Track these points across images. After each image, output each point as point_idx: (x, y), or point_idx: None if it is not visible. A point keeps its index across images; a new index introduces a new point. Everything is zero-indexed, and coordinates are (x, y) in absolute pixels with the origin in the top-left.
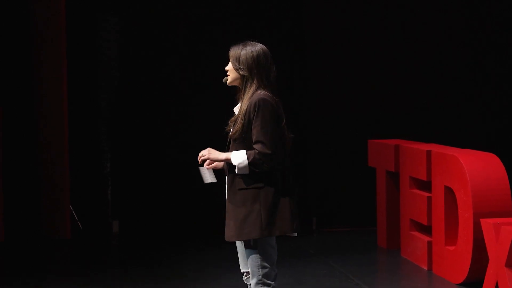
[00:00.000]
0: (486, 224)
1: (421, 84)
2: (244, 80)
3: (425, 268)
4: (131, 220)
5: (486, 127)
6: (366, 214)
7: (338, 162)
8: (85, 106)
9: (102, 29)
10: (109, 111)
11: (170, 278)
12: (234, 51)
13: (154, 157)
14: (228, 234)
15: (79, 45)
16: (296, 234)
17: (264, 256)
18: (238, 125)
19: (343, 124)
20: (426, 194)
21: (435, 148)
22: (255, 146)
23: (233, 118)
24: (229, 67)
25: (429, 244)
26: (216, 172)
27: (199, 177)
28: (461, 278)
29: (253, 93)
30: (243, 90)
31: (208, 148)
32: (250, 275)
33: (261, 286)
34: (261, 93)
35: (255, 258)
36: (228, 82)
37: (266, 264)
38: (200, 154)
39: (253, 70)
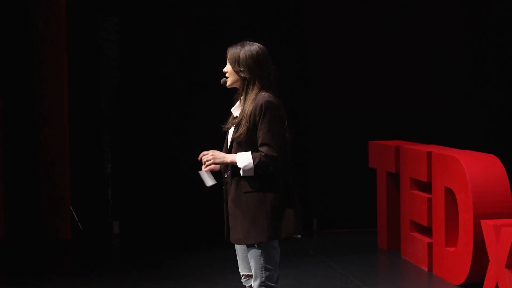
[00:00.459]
0: (487, 225)
1: (421, 84)
2: (245, 82)
3: (426, 269)
4: (131, 221)
5: (486, 128)
6: (366, 215)
7: (339, 163)
8: (86, 106)
9: (102, 29)
10: (110, 111)
11: (170, 279)
12: (232, 53)
13: (155, 158)
14: (235, 238)
15: (79, 45)
16: (300, 236)
17: (267, 258)
18: (243, 128)
19: (343, 124)
20: (427, 195)
21: (436, 149)
22: (261, 148)
23: (235, 120)
24: (228, 69)
25: (430, 245)
26: (213, 173)
27: (200, 180)
28: (461, 279)
29: (256, 95)
30: (244, 92)
31: (212, 151)
32: (253, 277)
33: None
34: (265, 94)
35: (258, 260)
36: (228, 84)
37: (269, 266)
38: (203, 157)
39: (254, 71)
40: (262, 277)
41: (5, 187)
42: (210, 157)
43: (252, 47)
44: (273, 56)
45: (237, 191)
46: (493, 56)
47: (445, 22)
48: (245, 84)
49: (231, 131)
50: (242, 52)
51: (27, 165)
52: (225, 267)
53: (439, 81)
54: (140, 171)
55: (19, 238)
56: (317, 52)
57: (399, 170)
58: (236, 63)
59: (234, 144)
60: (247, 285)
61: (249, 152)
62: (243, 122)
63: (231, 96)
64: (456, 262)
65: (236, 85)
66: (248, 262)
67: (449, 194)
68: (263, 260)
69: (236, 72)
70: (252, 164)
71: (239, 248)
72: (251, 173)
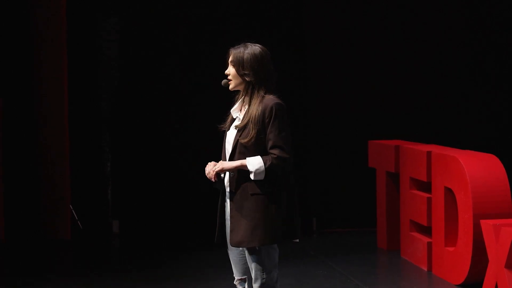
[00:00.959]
0: (486, 225)
1: (421, 84)
2: (249, 85)
3: (425, 269)
4: (131, 220)
5: (486, 128)
6: (366, 215)
7: (338, 163)
8: (85, 106)
9: (102, 29)
10: (109, 111)
11: (170, 278)
12: (236, 55)
13: (154, 157)
14: (237, 240)
15: (79, 45)
16: (298, 240)
17: (268, 259)
18: (253, 132)
19: (343, 124)
20: (426, 195)
21: (435, 149)
22: (272, 151)
23: (240, 124)
24: (231, 71)
25: (429, 245)
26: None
27: (206, 184)
28: (461, 279)
29: (262, 98)
30: (249, 95)
31: (219, 162)
32: (253, 279)
33: None
34: (272, 97)
35: (259, 261)
36: (231, 88)
37: (269, 267)
38: (209, 170)
39: (259, 74)
40: (263, 278)
41: (5, 187)
42: (219, 168)
43: (255, 49)
44: (273, 56)
45: (243, 193)
46: (493, 56)
47: (445, 22)
48: (250, 87)
49: (231, 133)
50: (246, 54)
51: (27, 165)
52: (225, 267)
53: (439, 81)
54: (140, 171)
55: (19, 238)
56: (317, 52)
57: (399, 170)
58: (240, 66)
59: (240, 147)
60: (240, 287)
61: (259, 156)
62: (251, 125)
63: (231, 96)
64: (455, 262)
65: (239, 88)
66: (242, 265)
67: (449, 194)
68: (264, 261)
69: (241, 75)
70: (263, 168)
71: (233, 252)
72: (262, 177)
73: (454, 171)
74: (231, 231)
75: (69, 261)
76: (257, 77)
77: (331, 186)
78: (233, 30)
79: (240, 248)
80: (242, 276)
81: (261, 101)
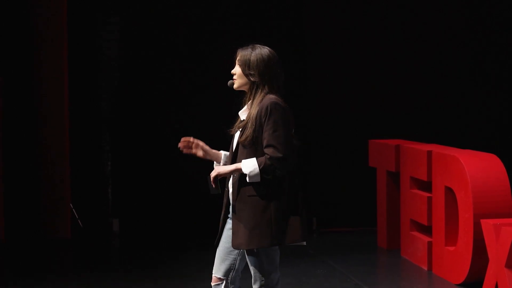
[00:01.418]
0: (486, 224)
1: (421, 84)
2: (254, 85)
3: (425, 268)
4: (131, 219)
5: (486, 128)
6: (366, 214)
7: (339, 162)
8: (86, 106)
9: (102, 29)
10: (110, 111)
11: (170, 277)
12: (243, 56)
13: (154, 157)
14: (237, 242)
15: (79, 45)
16: (305, 243)
17: (268, 261)
18: (249, 131)
19: (344, 124)
20: (427, 194)
21: (436, 148)
22: (265, 150)
23: (241, 124)
24: (237, 71)
25: (429, 244)
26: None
27: (206, 185)
28: (461, 278)
29: (263, 98)
30: (252, 96)
31: (215, 168)
32: (252, 280)
33: None
34: (272, 97)
35: (257, 263)
36: (235, 87)
37: (270, 269)
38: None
39: (264, 76)
40: (262, 280)
41: (5, 186)
42: (214, 173)
43: (263, 51)
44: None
45: (241, 195)
46: (493, 56)
47: (445, 22)
48: (254, 88)
49: (237, 135)
50: (253, 55)
51: (27, 164)
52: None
53: (439, 81)
54: (140, 170)
55: (19, 238)
56: (317, 52)
57: (399, 169)
58: (246, 66)
59: (240, 147)
60: None
61: (254, 158)
62: (249, 125)
63: (231, 96)
64: (456, 261)
65: (244, 88)
66: (227, 265)
67: (449, 193)
68: (263, 263)
69: (246, 75)
70: (257, 170)
71: (222, 250)
72: (258, 179)
73: (454, 171)
74: (232, 233)
75: (69, 260)
76: (262, 78)
77: (331, 185)
78: (233, 30)
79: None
80: (222, 276)
81: (261, 101)
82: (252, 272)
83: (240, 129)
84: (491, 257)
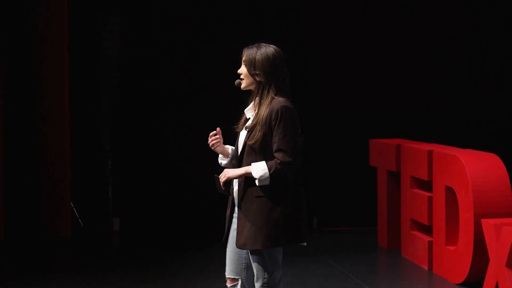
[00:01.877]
0: (487, 224)
1: (422, 84)
2: (260, 85)
3: (426, 268)
4: (132, 218)
5: (487, 127)
6: (366, 213)
7: (339, 162)
8: (86, 105)
9: (103, 29)
10: (110, 110)
11: (170, 277)
12: (248, 55)
13: (155, 156)
14: (241, 242)
15: (79, 45)
16: (305, 244)
17: (270, 260)
18: (258, 134)
19: (344, 124)
20: (427, 194)
21: (437, 148)
22: (276, 154)
23: (249, 125)
24: (243, 71)
25: (430, 244)
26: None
27: (213, 184)
28: (462, 278)
29: (271, 100)
30: (259, 96)
31: (224, 171)
32: (254, 278)
33: None
34: (281, 99)
35: (260, 262)
36: (242, 87)
37: (272, 268)
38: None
39: (270, 75)
40: (265, 278)
41: (6, 185)
42: (224, 177)
43: (268, 50)
44: None
45: (248, 195)
46: (493, 56)
47: (445, 22)
48: (260, 88)
49: (243, 134)
50: (258, 54)
51: (27, 164)
52: (225, 265)
53: (440, 80)
54: (140, 169)
55: (20, 236)
56: (317, 52)
57: (400, 169)
58: (252, 66)
59: (248, 149)
60: None
61: (263, 162)
62: (258, 127)
63: (231, 96)
64: (456, 261)
65: (251, 88)
66: (238, 265)
67: (450, 193)
68: (266, 262)
69: (252, 75)
70: (268, 174)
71: (231, 250)
72: (268, 182)
73: (455, 170)
74: (237, 233)
75: (69, 260)
76: (268, 78)
77: (332, 185)
78: (233, 30)
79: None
80: (235, 275)
81: (270, 103)
82: (255, 271)
83: (248, 130)
84: (491, 256)
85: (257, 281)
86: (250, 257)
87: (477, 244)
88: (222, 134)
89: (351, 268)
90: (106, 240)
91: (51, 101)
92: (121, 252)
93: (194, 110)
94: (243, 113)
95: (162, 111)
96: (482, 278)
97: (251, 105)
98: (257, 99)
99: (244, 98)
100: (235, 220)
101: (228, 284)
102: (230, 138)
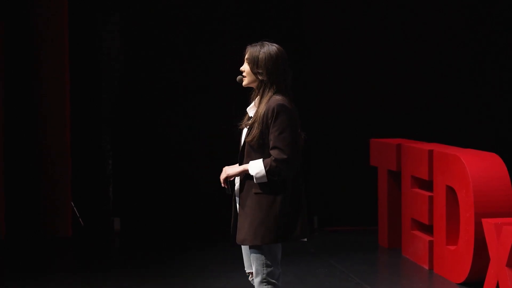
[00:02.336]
0: (488, 224)
1: (422, 83)
2: (262, 84)
3: (426, 267)
4: (132, 218)
5: (488, 127)
6: (367, 213)
7: (339, 162)
8: (86, 105)
9: (103, 29)
10: (110, 110)
11: (171, 276)
12: (251, 53)
13: (155, 156)
14: (241, 238)
15: (79, 45)
16: (306, 239)
17: (269, 255)
18: (256, 131)
19: (344, 123)
20: (428, 193)
21: (437, 147)
22: (271, 152)
23: (249, 122)
24: (246, 68)
25: (430, 243)
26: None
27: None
28: (462, 277)
29: (270, 98)
30: (260, 94)
31: (224, 168)
32: (254, 274)
33: (265, 285)
34: (278, 98)
35: (260, 257)
36: (244, 84)
37: (271, 264)
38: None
39: (272, 74)
40: (264, 274)
41: (6, 185)
42: (224, 174)
43: (271, 49)
44: None
45: (248, 192)
46: (493, 56)
47: (445, 22)
48: (262, 86)
49: (244, 131)
50: (261, 53)
51: (28, 163)
52: (226, 264)
53: (440, 80)
54: (140, 169)
55: (20, 236)
56: (317, 52)
57: (401, 168)
58: (254, 64)
59: (247, 146)
60: (253, 283)
61: (260, 160)
62: (256, 125)
63: (231, 96)
64: (457, 260)
65: (253, 85)
66: None
67: (450, 192)
68: (265, 257)
69: (254, 73)
70: (264, 171)
71: (244, 247)
72: (265, 180)
73: (455, 170)
74: (238, 229)
75: (69, 259)
76: (270, 77)
77: (332, 184)
78: (233, 30)
79: None
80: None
81: (268, 101)
82: (254, 266)
83: (248, 128)
84: (492, 256)
85: (256, 276)
86: (250, 253)
87: (477, 244)
88: (222, 133)
89: (351, 268)
90: (106, 240)
91: (51, 101)
92: (121, 252)
93: (194, 110)
94: (247, 111)
95: (162, 111)
96: (482, 278)
97: (253, 103)
98: (258, 97)
99: (245, 98)
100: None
101: (250, 278)
102: (230, 137)
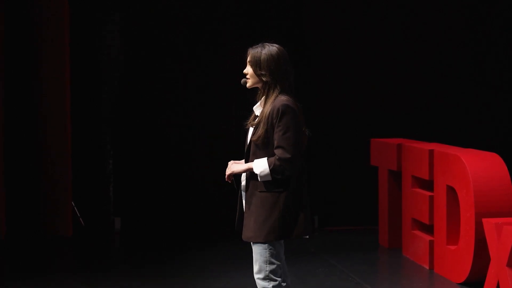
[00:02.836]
0: (488, 223)
1: (423, 83)
2: (267, 85)
3: (427, 267)
4: (132, 218)
5: (488, 127)
6: (367, 213)
7: (340, 161)
8: (87, 105)
9: (103, 29)
10: (110, 110)
11: (171, 276)
12: (253, 55)
13: (156, 155)
14: (247, 235)
15: (80, 45)
16: (308, 236)
17: (273, 253)
18: (261, 131)
19: (345, 123)
20: (428, 193)
21: (438, 147)
22: (276, 151)
23: (255, 121)
24: (249, 71)
25: (431, 243)
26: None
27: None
28: (463, 277)
29: (275, 98)
30: (265, 95)
31: (231, 163)
32: (257, 270)
33: (268, 282)
34: (283, 98)
35: (263, 254)
36: (248, 86)
37: (274, 261)
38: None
39: (276, 75)
40: (267, 271)
41: (7, 185)
42: (228, 171)
43: (272, 49)
44: None
45: (253, 190)
46: (493, 56)
47: (445, 22)
48: (266, 87)
49: (250, 130)
50: (263, 55)
51: (28, 163)
52: (226, 264)
53: (441, 80)
54: (141, 169)
55: (21, 235)
56: (318, 52)
57: (401, 168)
58: (257, 66)
59: (253, 145)
60: None
61: (265, 158)
62: (261, 125)
63: (231, 96)
64: (457, 260)
65: (257, 86)
66: None
67: (451, 192)
68: (269, 254)
69: (258, 75)
70: (268, 170)
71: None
72: (269, 178)
73: (456, 170)
74: (244, 226)
75: (70, 259)
76: (273, 77)
77: (333, 184)
78: (233, 30)
79: None
80: None
81: (273, 101)
82: (258, 263)
83: (254, 127)
84: (492, 256)
85: (259, 273)
86: (253, 250)
87: (478, 244)
88: (222, 133)
89: (351, 268)
90: (106, 240)
91: (51, 101)
92: (121, 251)
93: (195, 110)
94: (253, 110)
95: (163, 111)
96: (483, 278)
97: (258, 103)
98: (263, 97)
99: (245, 98)
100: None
101: None
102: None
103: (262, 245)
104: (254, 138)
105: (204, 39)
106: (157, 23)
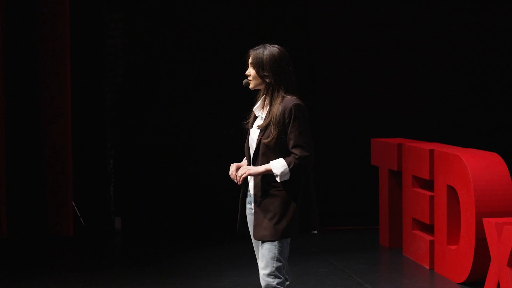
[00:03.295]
0: (489, 223)
1: (423, 83)
2: (270, 86)
3: (427, 267)
4: (133, 217)
5: (489, 127)
6: (368, 212)
7: (341, 161)
8: (88, 104)
9: (106, 27)
10: (112, 109)
11: (172, 275)
12: (255, 57)
13: (156, 155)
14: (261, 234)
15: (82, 43)
16: (316, 231)
17: (281, 251)
18: (274, 132)
19: (346, 123)
20: (429, 193)
21: (438, 147)
22: (294, 150)
23: (262, 123)
24: (251, 72)
25: (431, 243)
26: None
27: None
28: (463, 277)
29: (282, 98)
30: (270, 96)
31: (241, 166)
32: (263, 265)
33: (273, 278)
34: (292, 98)
35: (272, 250)
36: (251, 87)
37: (281, 258)
38: (235, 174)
39: (279, 75)
40: (273, 267)
41: (8, 183)
42: (244, 170)
43: (273, 50)
44: None
45: (264, 191)
46: (493, 56)
47: (445, 23)
48: (270, 88)
49: (254, 132)
50: (265, 56)
51: (29, 162)
52: (226, 264)
53: (440, 80)
54: (142, 168)
55: (22, 234)
56: (320, 52)
57: (402, 168)
58: (260, 67)
59: (263, 147)
60: None
61: (281, 159)
62: (273, 126)
63: (232, 95)
64: (457, 260)
65: (260, 87)
66: None
67: (451, 192)
68: (277, 251)
69: (261, 77)
70: (288, 169)
71: (257, 245)
72: (288, 177)
73: (456, 170)
74: (254, 226)
75: (71, 258)
76: (276, 78)
77: (333, 184)
78: (235, 30)
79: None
80: None
81: (281, 102)
82: (264, 260)
83: (261, 129)
84: (493, 256)
85: (265, 269)
86: (261, 247)
87: (478, 243)
88: (222, 133)
89: (352, 267)
90: (107, 239)
91: (53, 100)
92: (122, 251)
93: (196, 109)
94: (252, 110)
95: (164, 110)
96: (483, 277)
97: (259, 103)
98: (267, 98)
99: (245, 98)
100: (250, 217)
101: None
102: (231, 137)
103: (273, 243)
104: (267, 140)
105: (207, 39)
106: (160, 22)
